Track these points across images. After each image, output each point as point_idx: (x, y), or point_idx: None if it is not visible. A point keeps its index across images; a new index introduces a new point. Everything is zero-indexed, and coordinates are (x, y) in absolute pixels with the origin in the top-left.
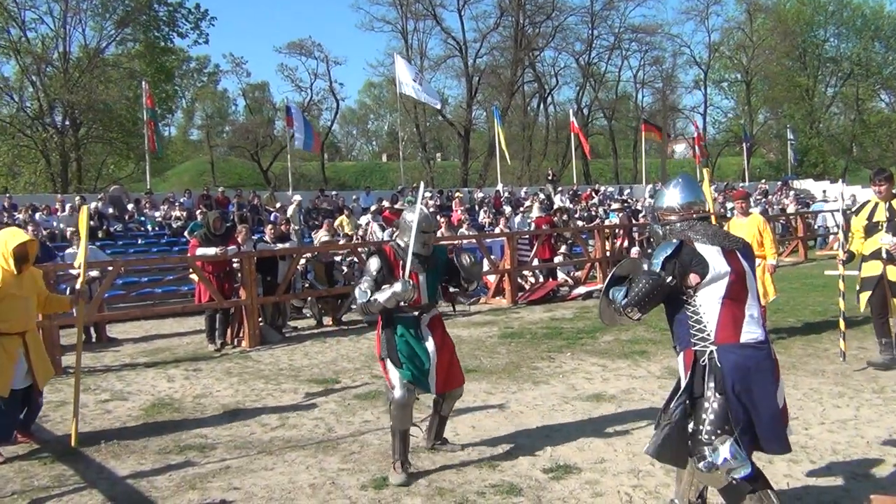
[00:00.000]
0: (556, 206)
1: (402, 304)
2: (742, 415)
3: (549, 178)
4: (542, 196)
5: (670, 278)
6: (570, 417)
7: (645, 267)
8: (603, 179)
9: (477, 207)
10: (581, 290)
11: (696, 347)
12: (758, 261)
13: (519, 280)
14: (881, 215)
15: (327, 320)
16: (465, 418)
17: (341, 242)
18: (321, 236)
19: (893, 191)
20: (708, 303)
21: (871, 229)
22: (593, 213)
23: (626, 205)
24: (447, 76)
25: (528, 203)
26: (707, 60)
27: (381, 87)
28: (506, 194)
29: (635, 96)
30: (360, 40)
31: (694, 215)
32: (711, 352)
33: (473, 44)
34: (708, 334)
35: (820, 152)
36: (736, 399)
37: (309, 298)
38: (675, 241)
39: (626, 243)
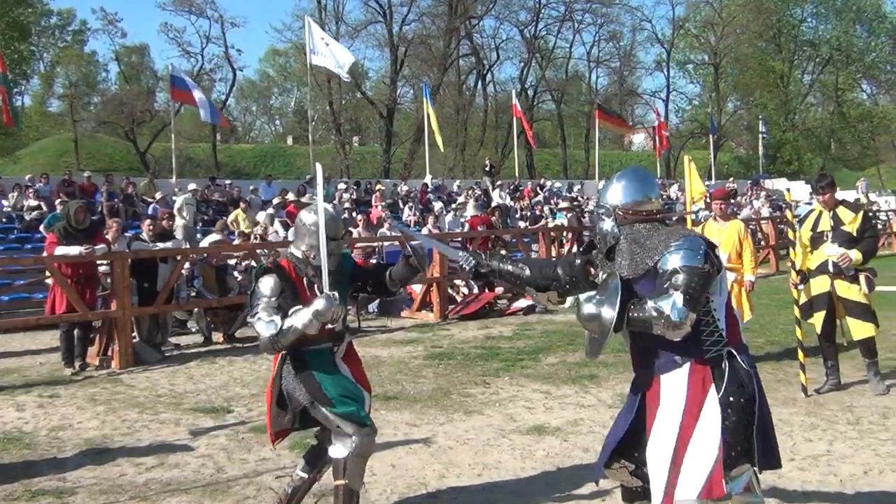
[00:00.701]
0: (494, 204)
1: (319, 328)
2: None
3: (487, 169)
4: (478, 191)
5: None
6: (508, 454)
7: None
8: (549, 173)
9: (401, 203)
10: (522, 303)
11: (710, 355)
12: (733, 275)
13: (450, 291)
14: (826, 225)
15: (217, 336)
16: (383, 455)
17: (236, 243)
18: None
19: (837, 197)
20: (718, 301)
21: (816, 240)
22: (537, 212)
23: (575, 203)
24: (368, 45)
25: (461, 199)
26: (671, 38)
27: (287, 56)
28: (435, 188)
29: (588, 77)
30: None
31: (658, 215)
32: (729, 352)
33: (400, 8)
34: (720, 335)
35: (795, 148)
36: (757, 404)
37: (195, 310)
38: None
39: (574, 249)
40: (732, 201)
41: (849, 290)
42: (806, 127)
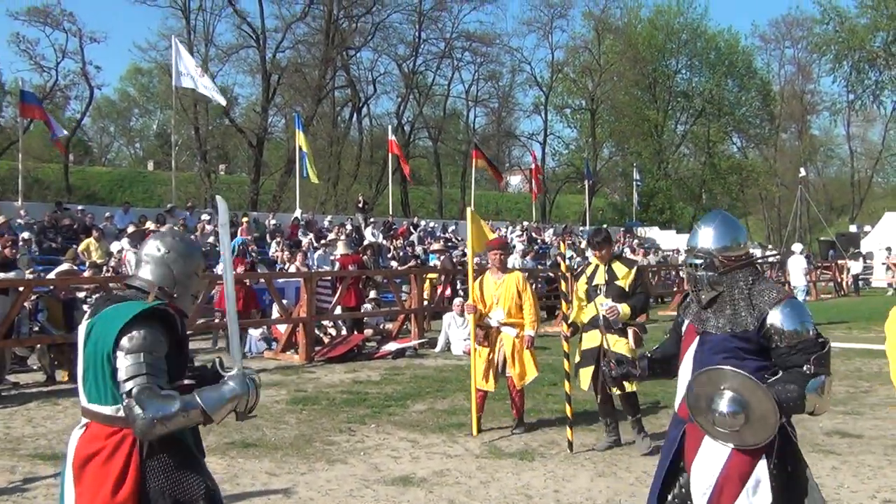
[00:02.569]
0: (366, 242)
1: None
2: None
3: (360, 205)
4: (349, 227)
5: None
6: None
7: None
8: (424, 211)
9: (268, 237)
10: (391, 346)
11: None
12: (513, 330)
13: (317, 332)
14: (601, 278)
15: (62, 375)
16: None
17: (86, 274)
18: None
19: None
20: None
21: (591, 293)
22: (410, 252)
23: (449, 244)
24: (238, 70)
25: (332, 235)
26: (549, 82)
27: (150, 76)
28: (304, 223)
29: (466, 115)
30: (127, 14)
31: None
32: (786, 430)
33: (274, 34)
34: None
35: (667, 197)
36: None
37: (38, 346)
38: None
39: (448, 292)
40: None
41: (616, 344)
42: (678, 176)
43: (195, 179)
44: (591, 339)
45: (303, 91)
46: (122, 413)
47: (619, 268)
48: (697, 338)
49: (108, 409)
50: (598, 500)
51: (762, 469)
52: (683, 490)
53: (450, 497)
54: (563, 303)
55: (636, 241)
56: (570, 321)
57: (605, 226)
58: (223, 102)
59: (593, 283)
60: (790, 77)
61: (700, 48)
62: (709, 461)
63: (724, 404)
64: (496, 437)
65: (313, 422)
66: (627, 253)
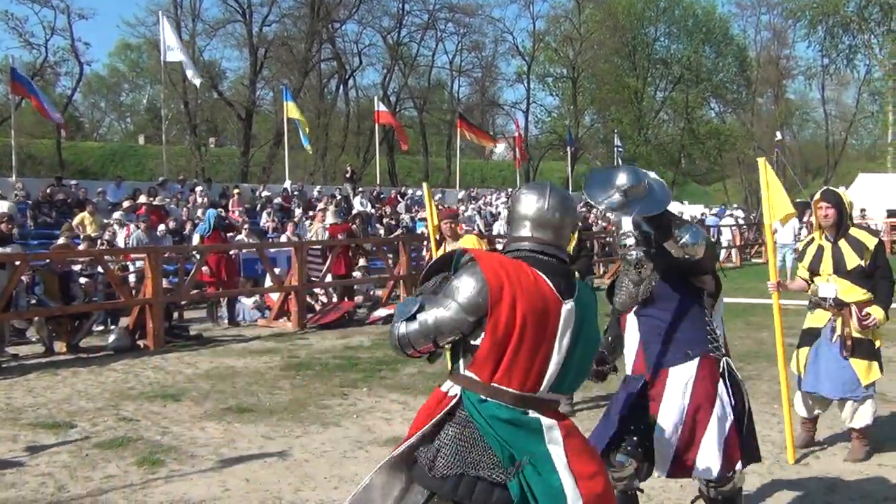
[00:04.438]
0: (354, 211)
1: None
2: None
3: (348, 176)
4: (338, 197)
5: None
6: (365, 466)
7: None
8: (411, 180)
9: (259, 208)
10: (382, 312)
11: (714, 355)
12: None
13: (308, 299)
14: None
15: (60, 346)
16: (236, 469)
17: (81, 248)
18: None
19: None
20: (717, 317)
21: None
22: (398, 220)
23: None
24: (226, 45)
25: (321, 205)
26: (531, 51)
27: (139, 51)
28: (295, 193)
29: (451, 85)
30: None
31: None
32: (727, 360)
33: (261, 8)
34: (719, 343)
35: (648, 162)
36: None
37: (36, 318)
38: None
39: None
40: (588, 212)
41: None
42: (658, 142)
43: (186, 152)
44: None
45: (289, 64)
46: None
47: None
48: None
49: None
50: None
51: (722, 388)
52: (636, 439)
53: None
54: None
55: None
56: None
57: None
58: (196, 83)
59: None
60: (766, 43)
61: (678, 16)
62: (675, 399)
63: (623, 178)
64: None
65: (307, 386)
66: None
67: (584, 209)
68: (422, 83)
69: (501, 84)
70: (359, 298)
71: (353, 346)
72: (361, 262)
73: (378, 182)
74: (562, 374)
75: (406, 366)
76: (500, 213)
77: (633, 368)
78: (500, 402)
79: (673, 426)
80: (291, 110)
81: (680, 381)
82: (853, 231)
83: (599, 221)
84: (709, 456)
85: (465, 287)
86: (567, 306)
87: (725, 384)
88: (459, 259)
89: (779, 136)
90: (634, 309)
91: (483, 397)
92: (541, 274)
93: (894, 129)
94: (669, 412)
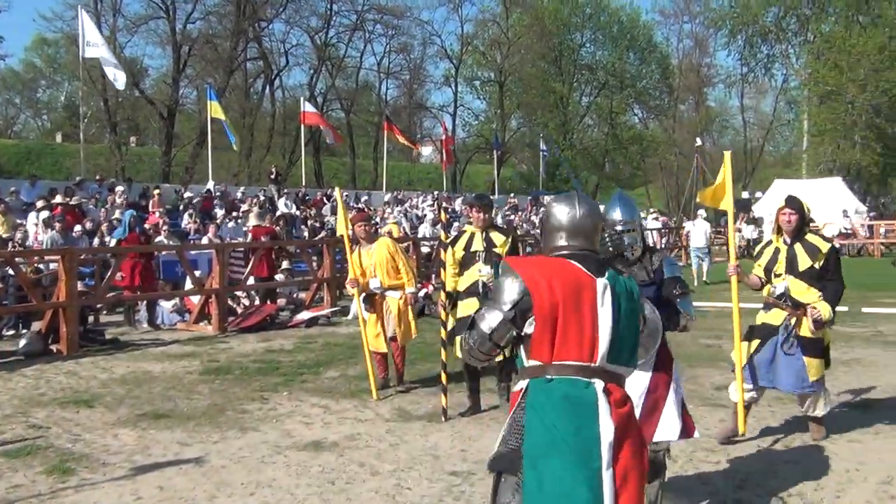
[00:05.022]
0: (278, 213)
1: None
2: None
3: (273, 177)
4: (262, 198)
5: None
6: (283, 471)
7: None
8: (337, 182)
9: (181, 209)
10: (304, 315)
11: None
12: (396, 293)
13: (230, 302)
14: (479, 245)
15: None
16: (150, 477)
17: None
18: None
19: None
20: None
21: (468, 261)
22: (323, 223)
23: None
24: (148, 42)
25: (245, 207)
26: (459, 54)
27: (57, 46)
28: (218, 194)
29: (378, 87)
30: None
31: None
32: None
33: (184, 4)
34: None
35: (573, 166)
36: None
37: None
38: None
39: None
40: (514, 215)
41: None
42: (583, 146)
43: (105, 151)
44: (468, 307)
45: (214, 62)
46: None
47: (496, 236)
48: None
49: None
50: None
51: (674, 371)
52: None
53: (360, 460)
54: (442, 271)
55: (542, 208)
56: (446, 290)
57: (512, 194)
58: (120, 87)
59: (471, 250)
60: (688, 51)
61: (603, 22)
62: (635, 384)
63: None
64: (405, 401)
65: (226, 391)
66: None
67: (509, 213)
68: (349, 84)
69: (429, 87)
70: (281, 301)
71: (274, 349)
72: (285, 264)
73: (303, 183)
74: (616, 346)
75: (328, 369)
76: (426, 216)
77: None
78: (565, 377)
79: (638, 396)
80: (215, 110)
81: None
82: (809, 236)
83: (524, 225)
84: (670, 422)
85: (503, 287)
86: (601, 281)
87: (676, 365)
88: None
89: (699, 142)
90: None
91: (549, 377)
92: (572, 262)
93: (809, 137)
94: (637, 384)
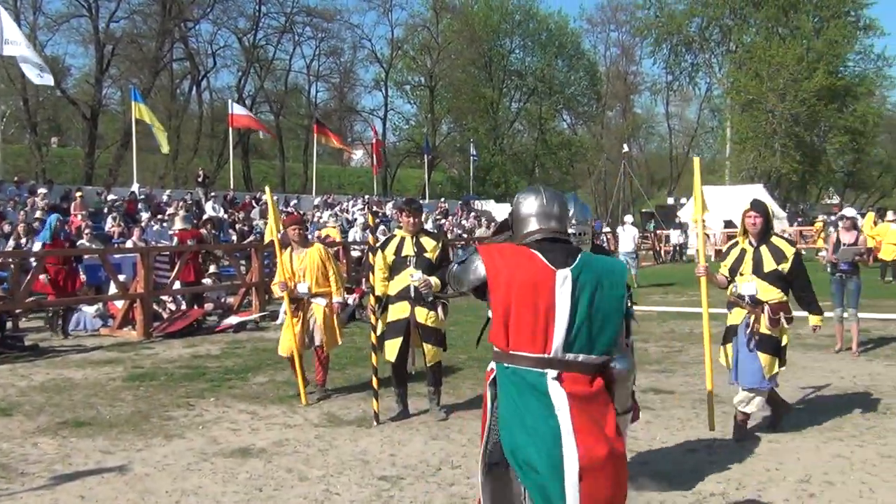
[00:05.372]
0: (206, 216)
1: None
2: None
3: (200, 180)
4: (189, 201)
5: None
6: (209, 478)
7: None
8: (266, 185)
9: (105, 211)
10: (233, 320)
11: None
12: (322, 300)
13: (155, 307)
14: (410, 250)
15: None
16: (71, 486)
17: None
18: None
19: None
20: None
21: (399, 265)
22: (252, 226)
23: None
24: (70, 40)
25: (171, 210)
26: (389, 58)
27: None
28: (142, 197)
29: (308, 90)
30: None
31: None
32: None
33: (107, 3)
34: None
35: (503, 171)
36: None
37: None
38: None
39: None
40: (444, 220)
41: (427, 317)
42: (513, 151)
43: (25, 152)
44: (398, 311)
45: (139, 63)
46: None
47: (426, 241)
48: None
49: (598, 360)
50: (431, 461)
51: None
52: None
53: (288, 466)
54: (371, 275)
55: (472, 213)
56: (376, 294)
57: (443, 199)
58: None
59: (402, 255)
60: (615, 58)
61: (532, 29)
62: None
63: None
64: (335, 406)
65: (150, 398)
66: (466, 225)
67: (440, 217)
68: (278, 87)
69: (360, 90)
70: (209, 306)
71: (201, 354)
72: (212, 268)
73: (232, 186)
74: (573, 335)
75: (256, 375)
76: (356, 220)
77: None
78: (520, 367)
79: None
80: (140, 111)
81: None
82: (774, 239)
83: (455, 229)
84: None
85: (469, 269)
86: (561, 273)
87: None
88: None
89: (626, 148)
90: None
91: (506, 365)
92: (536, 252)
93: (732, 144)
94: None
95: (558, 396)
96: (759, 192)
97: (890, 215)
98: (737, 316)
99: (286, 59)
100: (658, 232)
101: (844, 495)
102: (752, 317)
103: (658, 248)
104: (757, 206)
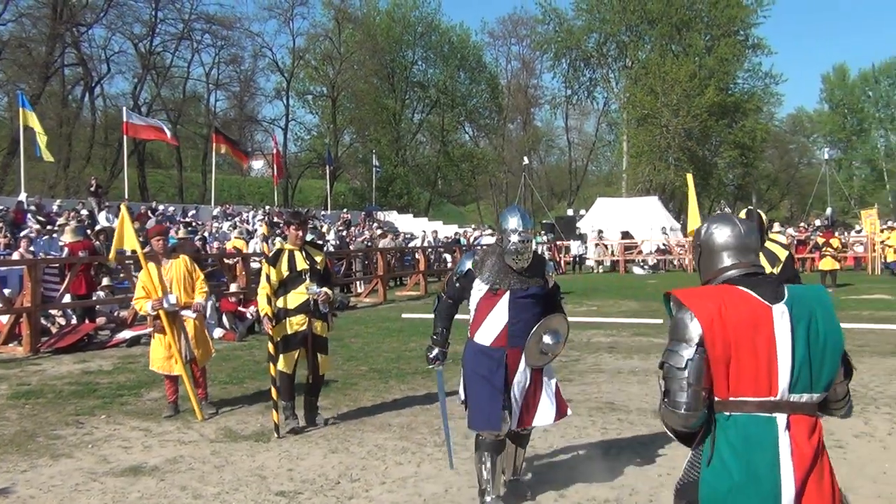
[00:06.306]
0: (98, 227)
1: None
2: None
3: (93, 189)
4: (82, 212)
5: None
6: (98, 499)
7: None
8: (163, 195)
9: None
10: (126, 334)
11: None
12: (192, 312)
13: (44, 321)
14: (303, 264)
15: None
16: None
17: None
18: None
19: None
20: None
21: (295, 280)
22: (147, 237)
23: (190, 229)
24: None
25: (61, 220)
26: (291, 68)
27: None
28: (31, 207)
29: (207, 99)
30: None
31: None
32: None
33: None
34: None
35: (405, 182)
36: None
37: None
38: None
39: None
40: (345, 232)
41: (322, 328)
42: (415, 163)
43: None
44: (296, 324)
45: (28, 67)
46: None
47: (314, 252)
48: (509, 293)
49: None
50: (330, 475)
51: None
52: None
53: (182, 484)
54: (266, 286)
55: (375, 224)
56: (270, 303)
57: (345, 210)
58: None
59: (297, 269)
60: (516, 72)
61: (435, 41)
62: (524, 369)
63: (548, 338)
64: (232, 421)
65: (37, 416)
66: (367, 236)
67: (342, 228)
68: (176, 95)
69: (260, 100)
70: (101, 320)
71: (92, 370)
72: (105, 281)
73: (126, 197)
74: (801, 374)
75: (150, 390)
76: (256, 230)
77: (494, 342)
78: (743, 413)
79: (521, 389)
80: (28, 118)
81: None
82: (768, 244)
83: (357, 240)
84: (546, 408)
85: (680, 327)
86: (777, 308)
87: None
88: (668, 301)
89: (526, 160)
90: (511, 296)
91: (727, 414)
92: (744, 289)
93: (628, 158)
94: (521, 378)
95: (786, 450)
96: (654, 204)
97: (776, 227)
98: None
99: (184, 66)
100: (558, 243)
101: None
102: None
103: (558, 259)
104: (749, 214)
